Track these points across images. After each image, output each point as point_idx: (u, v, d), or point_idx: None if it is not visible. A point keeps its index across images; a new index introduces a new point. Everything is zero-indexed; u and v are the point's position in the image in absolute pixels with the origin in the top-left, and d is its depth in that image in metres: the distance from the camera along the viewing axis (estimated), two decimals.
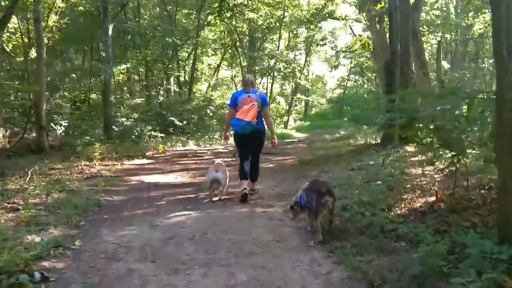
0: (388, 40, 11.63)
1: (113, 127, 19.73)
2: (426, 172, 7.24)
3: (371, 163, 8.72)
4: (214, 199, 6.71)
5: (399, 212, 5.30)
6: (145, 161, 11.86)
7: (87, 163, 10.61)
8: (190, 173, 9.61)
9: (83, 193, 7.23)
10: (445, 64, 20.82)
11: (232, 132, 7.30)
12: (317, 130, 35.33)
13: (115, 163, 11.00)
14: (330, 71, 36.95)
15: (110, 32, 18.45)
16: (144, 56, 22.69)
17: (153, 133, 20.39)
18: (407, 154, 9.53)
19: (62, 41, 23.54)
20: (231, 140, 7.58)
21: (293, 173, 8.99)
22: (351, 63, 38.80)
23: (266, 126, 6.97)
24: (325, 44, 29.29)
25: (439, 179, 6.67)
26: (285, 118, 32.52)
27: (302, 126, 35.61)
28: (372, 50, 13.79)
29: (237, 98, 6.70)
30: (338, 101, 37.91)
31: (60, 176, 8.67)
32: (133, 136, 19.44)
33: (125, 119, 20.69)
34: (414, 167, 7.72)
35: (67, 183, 7.80)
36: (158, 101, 22.77)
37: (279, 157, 12.12)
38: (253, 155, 6.94)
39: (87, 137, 18.92)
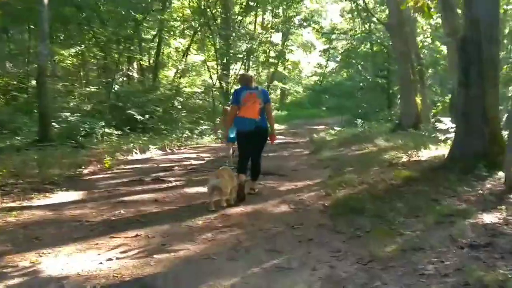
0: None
1: (53, 123, 14.70)
2: None
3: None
4: (212, 208, 5.70)
5: None
6: (70, 196, 6.88)
7: None
8: (141, 243, 4.77)
9: None
10: None
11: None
12: (296, 121, 30.90)
13: (13, 205, 6.07)
14: (327, 60, 32.09)
15: (45, 1, 13.31)
16: (94, 34, 17.33)
17: (106, 130, 15.45)
18: None
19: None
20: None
21: (345, 249, 4.32)
22: (328, 48, 34.45)
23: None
24: (309, 25, 24.52)
25: None
26: None
27: (280, 116, 31.12)
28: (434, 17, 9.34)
29: (240, 94, 6.26)
30: (322, 90, 33.23)
31: None
32: (79, 136, 14.48)
33: (69, 113, 15.49)
34: None
35: None
36: (113, 89, 17.48)
37: (288, 182, 7.51)
38: (255, 153, 6.44)
39: (18, 138, 13.97)
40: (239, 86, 6.58)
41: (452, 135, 8.94)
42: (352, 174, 7.31)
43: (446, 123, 9.13)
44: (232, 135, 9.03)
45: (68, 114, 15.50)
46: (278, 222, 5.20)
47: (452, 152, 6.93)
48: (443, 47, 20.78)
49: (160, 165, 9.82)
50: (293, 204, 5.96)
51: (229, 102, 8.24)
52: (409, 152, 8.45)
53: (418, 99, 13.16)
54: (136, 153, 11.79)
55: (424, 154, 8.18)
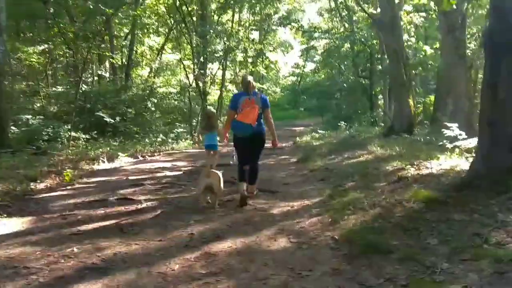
0: None
1: (13, 127, 13.13)
2: None
3: None
4: (205, 204, 5.97)
5: None
6: (12, 225, 5.41)
7: None
8: None
9: None
10: None
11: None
12: (274, 122, 29.73)
13: None
14: (305, 60, 30.83)
15: None
16: (60, 30, 15.65)
17: (73, 134, 13.88)
18: None
19: None
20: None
21: None
22: (307, 47, 33.30)
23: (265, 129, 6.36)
24: (289, 23, 23.30)
25: None
26: None
27: None
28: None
29: (238, 100, 6.14)
30: (301, 90, 32.03)
31: None
32: (41, 141, 12.90)
33: (31, 116, 13.84)
34: None
35: None
36: (81, 90, 15.78)
37: (281, 202, 6.25)
38: (253, 158, 6.32)
39: None
40: (239, 90, 6.66)
41: (461, 142, 7.89)
42: (356, 191, 6.08)
43: (454, 128, 8.02)
44: (207, 143, 7.78)
45: (29, 116, 13.84)
46: (279, 266, 3.90)
47: (475, 167, 5.76)
48: (426, 47, 19.91)
49: (130, 178, 8.42)
50: (293, 236, 4.67)
51: (210, 106, 7.56)
52: (416, 163, 7.27)
53: (410, 101, 12.08)
54: (103, 161, 10.31)
55: (433, 166, 7.00)
